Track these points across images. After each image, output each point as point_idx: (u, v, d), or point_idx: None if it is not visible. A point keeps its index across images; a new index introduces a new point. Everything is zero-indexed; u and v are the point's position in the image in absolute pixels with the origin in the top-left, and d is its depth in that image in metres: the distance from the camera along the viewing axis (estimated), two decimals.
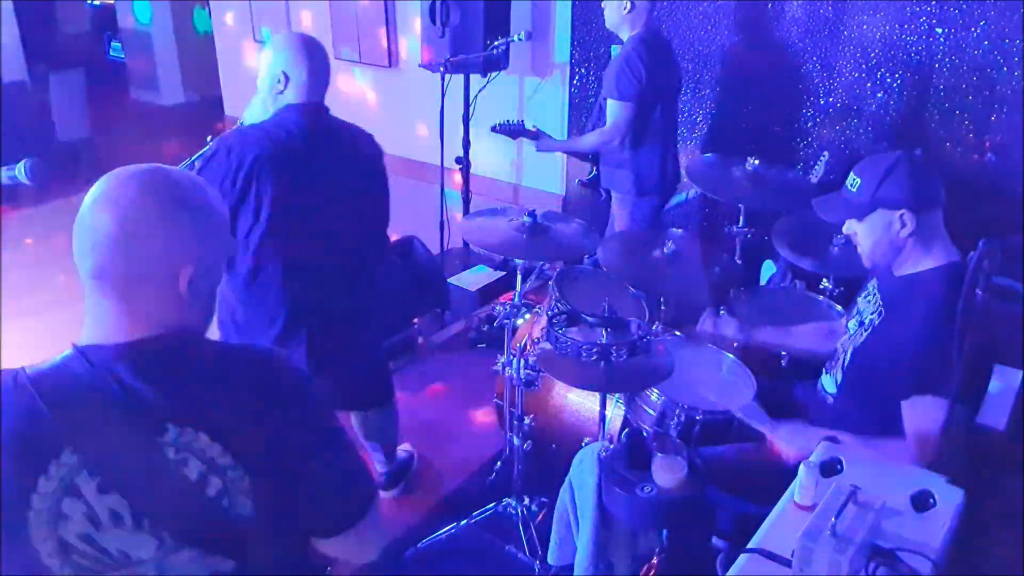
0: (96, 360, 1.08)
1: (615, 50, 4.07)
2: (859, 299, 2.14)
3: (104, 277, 1.09)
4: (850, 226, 1.98)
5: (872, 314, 2.02)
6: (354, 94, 5.44)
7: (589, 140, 3.45)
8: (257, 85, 2.34)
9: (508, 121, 3.78)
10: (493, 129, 3.67)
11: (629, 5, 3.33)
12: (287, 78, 2.24)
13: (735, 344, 2.58)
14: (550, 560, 2.34)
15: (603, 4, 3.45)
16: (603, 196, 3.85)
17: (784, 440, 2.00)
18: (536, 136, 3.63)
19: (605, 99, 3.38)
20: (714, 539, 2.09)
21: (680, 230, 3.00)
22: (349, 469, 1.23)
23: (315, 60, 2.27)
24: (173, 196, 1.11)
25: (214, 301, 1.22)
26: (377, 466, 2.89)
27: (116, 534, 1.05)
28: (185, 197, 1.12)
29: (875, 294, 2.07)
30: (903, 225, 1.87)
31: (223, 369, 1.15)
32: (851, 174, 1.97)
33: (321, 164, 2.28)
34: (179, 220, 1.11)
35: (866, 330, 2.01)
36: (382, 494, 2.88)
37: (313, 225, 2.31)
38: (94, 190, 1.11)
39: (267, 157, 2.18)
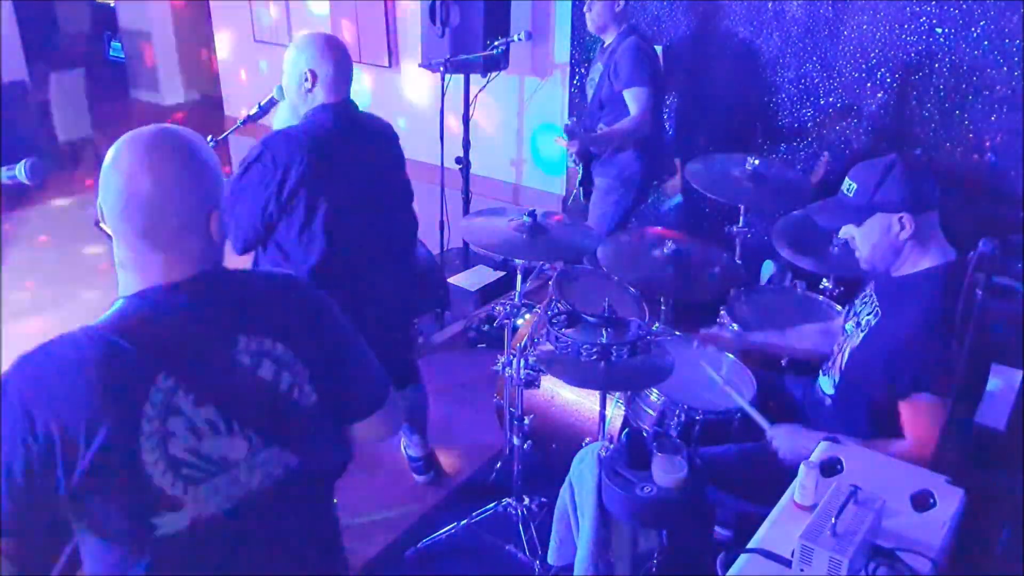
0: (160, 297, 1.19)
1: (607, 45, 4.08)
2: (856, 301, 2.14)
3: (150, 235, 1.19)
4: (847, 231, 1.97)
5: (869, 315, 2.02)
6: (354, 94, 5.44)
7: (626, 128, 3.46)
8: (283, 87, 2.40)
9: (574, 120, 3.75)
10: (566, 129, 3.59)
11: (623, 3, 3.40)
12: (314, 76, 2.32)
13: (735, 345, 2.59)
14: (550, 560, 2.34)
15: (589, 7, 3.49)
16: (575, 193, 3.86)
17: (780, 439, 2.01)
18: (572, 134, 3.61)
19: (620, 91, 3.43)
20: (714, 539, 2.09)
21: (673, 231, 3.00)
22: (372, 360, 1.45)
23: (339, 57, 2.35)
24: (191, 150, 1.23)
25: (225, 240, 1.34)
26: (412, 451, 2.99)
27: (214, 441, 1.17)
28: (198, 148, 1.25)
29: (872, 295, 2.06)
30: (902, 228, 1.87)
31: (266, 286, 1.35)
32: (846, 179, 1.96)
33: (360, 160, 2.39)
34: (203, 171, 1.24)
35: (863, 331, 2.01)
36: (418, 478, 3.00)
37: (360, 221, 2.40)
38: (119, 157, 1.19)
39: (313, 160, 2.25)
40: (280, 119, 2.47)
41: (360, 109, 2.47)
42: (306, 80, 2.32)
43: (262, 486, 1.23)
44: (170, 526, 1.15)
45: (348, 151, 2.36)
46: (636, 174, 3.57)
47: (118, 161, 1.19)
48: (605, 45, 3.55)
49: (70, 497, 1.10)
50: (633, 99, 3.39)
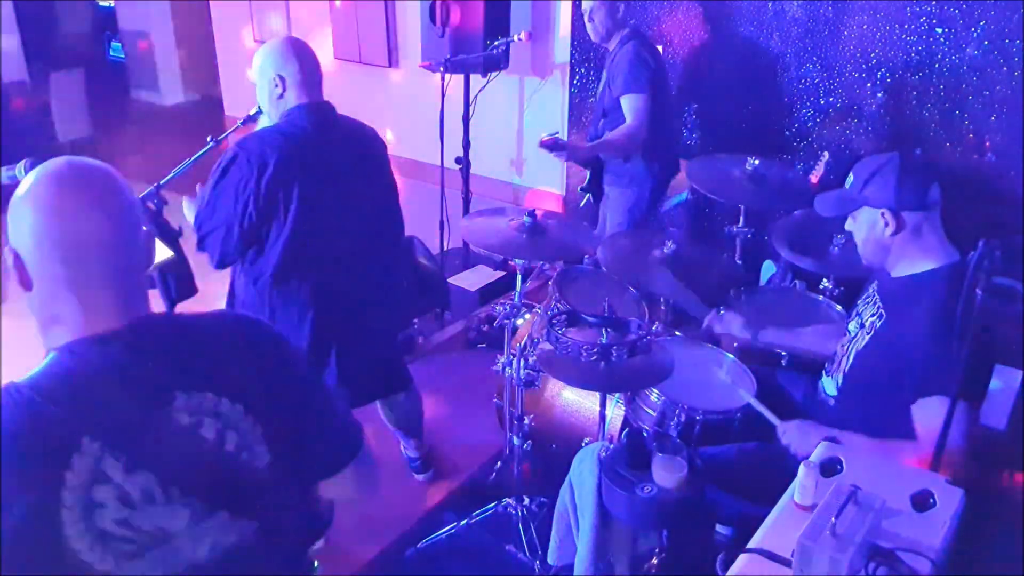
0: (87, 351, 1.09)
1: (611, 52, 4.08)
2: (859, 301, 2.14)
3: (97, 277, 1.11)
4: (850, 223, 2.00)
5: (872, 316, 2.02)
6: (354, 94, 5.45)
7: (618, 138, 3.43)
8: (257, 98, 2.39)
9: (555, 134, 3.76)
10: (542, 145, 3.59)
11: (622, 8, 3.39)
12: (282, 80, 2.29)
13: (735, 345, 2.59)
14: (550, 560, 2.34)
15: (591, 18, 3.44)
16: (587, 198, 3.84)
17: (791, 435, 2.00)
18: (563, 147, 3.61)
19: (618, 98, 3.40)
20: (714, 539, 2.09)
21: (673, 230, 3.00)
22: (339, 410, 1.34)
23: (304, 57, 2.32)
24: (123, 185, 1.15)
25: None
26: (410, 452, 3.00)
27: (150, 511, 1.07)
28: (123, 183, 1.16)
29: (875, 296, 2.07)
30: (886, 224, 1.89)
31: (210, 333, 1.21)
32: (850, 172, 1.99)
33: (336, 159, 2.35)
34: (137, 205, 1.17)
35: (867, 333, 2.01)
36: (417, 477, 3.01)
37: (335, 220, 2.36)
38: (42, 195, 1.09)
39: (287, 158, 2.23)
40: (261, 127, 2.45)
41: (338, 112, 2.42)
42: (276, 86, 2.29)
43: (211, 556, 1.11)
44: None
45: (323, 151, 2.32)
46: (645, 180, 3.53)
47: (35, 203, 1.09)
48: (609, 52, 3.53)
49: None
50: (629, 106, 3.35)
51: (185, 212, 2.48)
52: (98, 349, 1.09)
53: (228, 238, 2.29)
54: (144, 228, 1.18)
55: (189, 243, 2.32)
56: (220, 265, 2.37)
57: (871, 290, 2.11)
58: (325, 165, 2.32)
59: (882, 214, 1.89)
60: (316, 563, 1.41)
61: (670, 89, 3.69)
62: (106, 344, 1.10)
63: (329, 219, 2.34)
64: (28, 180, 1.12)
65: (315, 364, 2.43)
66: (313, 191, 2.29)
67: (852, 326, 2.10)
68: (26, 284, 1.12)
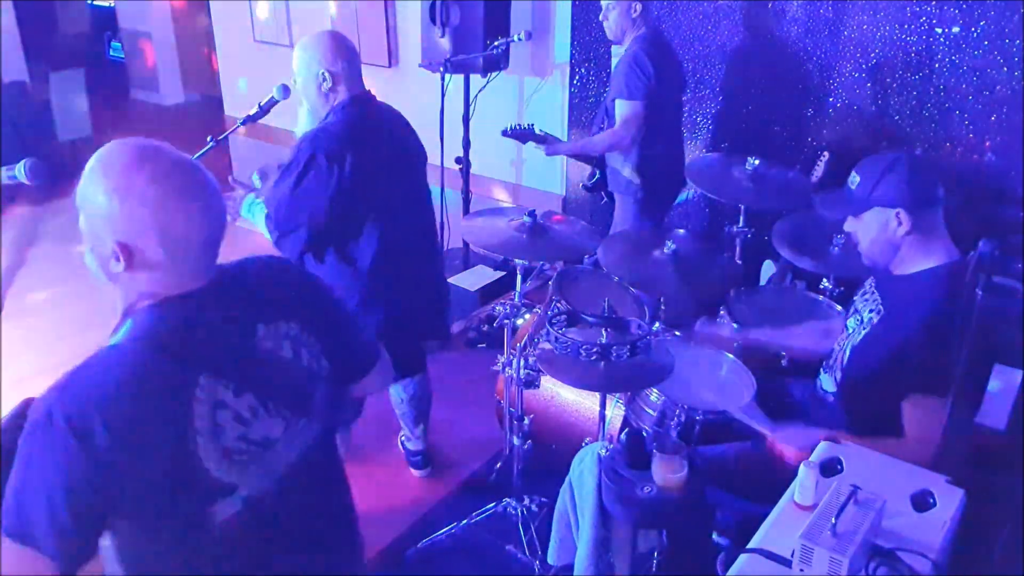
0: (175, 308, 1.24)
1: (615, 51, 4.08)
2: (857, 298, 2.14)
3: (191, 255, 1.25)
4: (850, 223, 1.99)
5: (871, 313, 2.03)
6: None
7: (600, 141, 3.44)
8: (299, 91, 2.43)
9: (519, 125, 3.77)
10: (504, 133, 3.66)
11: (638, 8, 3.32)
12: (332, 75, 2.38)
13: (734, 344, 2.59)
14: (550, 560, 2.34)
15: (605, 16, 3.42)
16: (604, 200, 3.84)
17: (785, 441, 2.00)
18: (544, 140, 3.61)
19: (613, 100, 3.37)
20: (714, 539, 2.09)
21: (681, 230, 3.00)
22: (359, 324, 1.62)
23: (349, 51, 2.44)
24: (204, 170, 1.28)
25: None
26: (411, 444, 3.03)
27: (257, 425, 1.27)
28: (203, 168, 1.29)
29: (873, 293, 2.07)
30: (899, 224, 1.88)
31: (265, 274, 1.43)
32: (853, 172, 1.98)
33: (391, 142, 2.49)
34: (218, 186, 1.30)
35: (864, 328, 2.01)
36: (416, 473, 3.04)
37: (400, 198, 2.50)
38: (131, 181, 1.19)
39: (361, 151, 2.33)
40: (302, 123, 2.50)
41: (378, 100, 2.55)
42: (324, 81, 2.36)
43: (297, 457, 1.34)
44: (226, 510, 1.24)
45: (382, 141, 2.43)
46: (639, 191, 3.49)
47: (144, 191, 1.19)
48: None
49: (136, 505, 1.17)
50: (617, 111, 3.33)
51: (244, 207, 2.55)
52: (183, 304, 1.25)
53: (312, 234, 2.38)
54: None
55: None
56: (301, 254, 2.47)
57: (868, 287, 2.11)
58: (383, 151, 2.43)
59: (896, 214, 1.88)
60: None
61: (677, 99, 3.60)
62: (190, 300, 1.25)
63: (397, 201, 2.47)
64: (119, 175, 1.20)
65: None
66: (382, 177, 2.41)
67: (851, 322, 2.10)
68: (134, 266, 1.23)
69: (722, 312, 2.78)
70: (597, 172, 3.78)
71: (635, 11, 3.33)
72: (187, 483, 1.20)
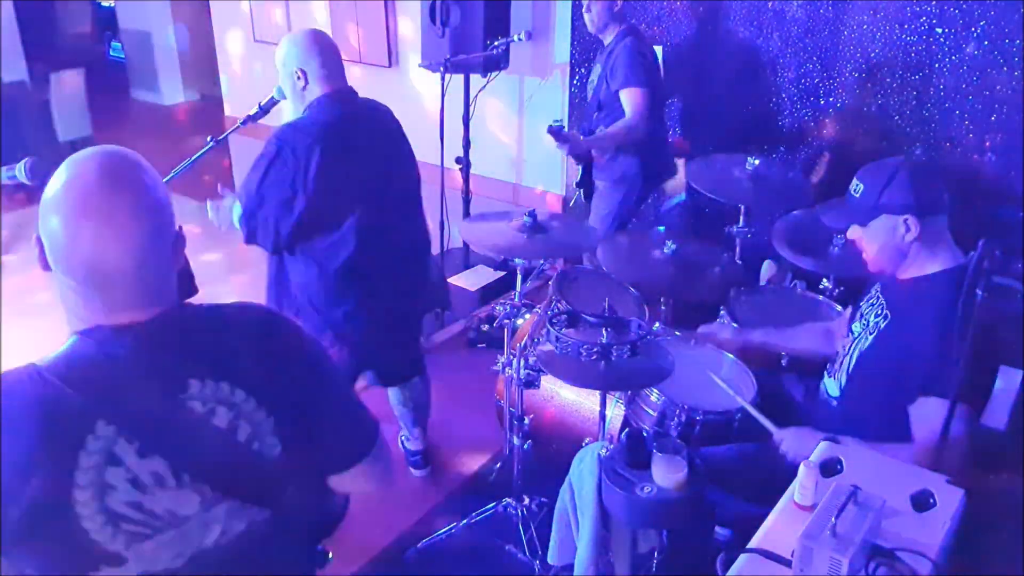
0: (107, 339, 1.11)
1: (607, 45, 4.08)
2: (862, 303, 2.13)
3: (95, 281, 1.11)
4: (854, 231, 1.97)
5: (877, 318, 2.02)
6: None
7: (617, 132, 3.45)
8: (282, 89, 2.45)
9: (559, 123, 3.76)
10: (550, 131, 3.60)
11: (619, 3, 3.44)
12: (304, 74, 2.36)
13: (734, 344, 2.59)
14: (550, 560, 2.34)
15: (588, 8, 3.49)
16: (574, 197, 3.85)
17: (788, 443, 2.00)
18: (566, 139, 3.60)
19: (616, 92, 3.42)
20: (714, 539, 2.09)
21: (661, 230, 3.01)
22: (354, 402, 1.35)
23: (325, 49, 2.39)
24: (153, 183, 1.15)
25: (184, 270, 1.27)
26: (410, 444, 3.02)
27: (161, 495, 1.09)
28: (145, 182, 1.14)
29: (879, 297, 2.06)
30: (907, 230, 1.87)
31: (230, 325, 1.23)
32: (854, 179, 1.96)
33: (369, 140, 2.43)
34: (167, 204, 1.16)
35: (871, 333, 2.00)
36: (415, 473, 3.03)
37: (376, 197, 2.44)
38: (59, 199, 1.09)
39: (329, 145, 2.29)
40: (285, 120, 2.50)
41: (360, 96, 2.50)
42: (299, 79, 2.36)
43: (220, 542, 1.14)
44: None
45: (355, 135, 2.39)
46: (636, 176, 3.56)
47: (58, 204, 1.09)
48: (605, 45, 3.55)
49: (7, 542, 1.04)
50: (628, 100, 3.38)
51: (210, 215, 2.54)
52: (117, 337, 1.11)
53: (280, 229, 2.34)
54: (177, 226, 1.19)
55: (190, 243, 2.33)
56: (275, 249, 2.43)
57: (874, 291, 2.10)
58: (359, 148, 2.39)
59: (904, 220, 1.86)
60: (330, 554, 1.43)
61: (664, 88, 3.71)
62: (125, 333, 1.11)
63: (372, 199, 2.42)
64: (61, 174, 1.11)
65: (348, 345, 2.51)
66: (355, 173, 2.37)
67: (856, 327, 2.09)
68: (45, 267, 1.13)
69: (722, 312, 2.79)
70: (580, 168, 3.78)
71: (616, 6, 3.45)
72: (62, 538, 1.06)
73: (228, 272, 4.50)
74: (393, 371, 2.78)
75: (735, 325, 2.63)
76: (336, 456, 1.30)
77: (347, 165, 2.35)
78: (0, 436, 1.03)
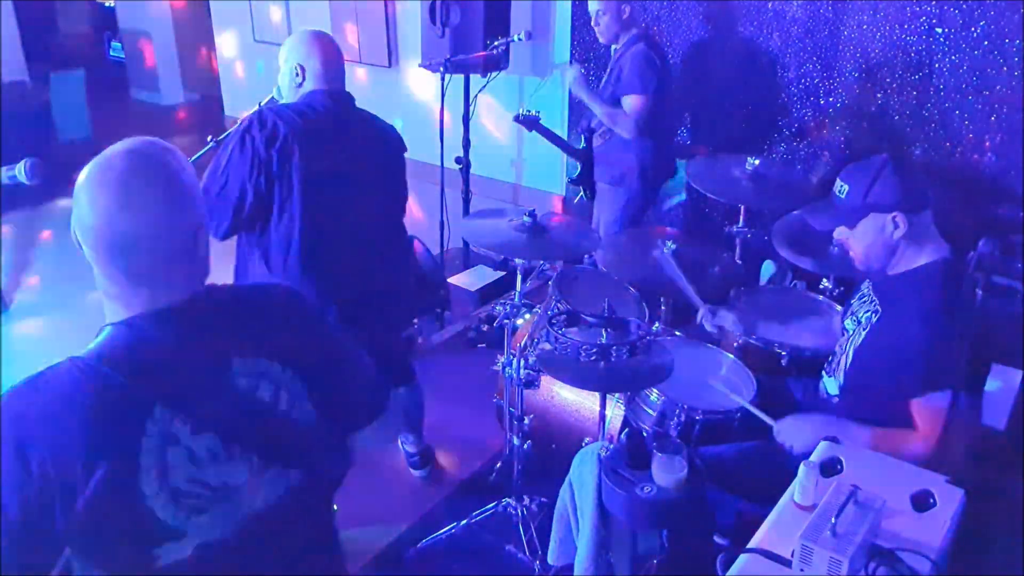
0: (146, 325, 1.15)
1: (615, 50, 4.08)
2: (854, 300, 2.14)
3: (132, 270, 1.14)
4: (842, 232, 1.98)
5: (868, 313, 2.03)
6: (354, 94, 5.44)
7: (611, 114, 3.44)
8: (279, 86, 2.45)
9: (529, 111, 3.76)
10: (516, 119, 3.62)
11: (628, 10, 3.39)
12: (303, 70, 2.36)
13: (735, 345, 2.59)
14: (550, 560, 2.34)
15: (597, 21, 3.47)
16: (581, 194, 3.85)
17: (787, 434, 2.00)
18: (551, 136, 3.59)
19: (619, 96, 3.41)
20: (714, 539, 2.09)
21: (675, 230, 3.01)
22: (369, 367, 1.44)
23: (327, 51, 2.39)
24: (168, 175, 1.17)
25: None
26: (408, 447, 3.02)
27: (215, 468, 1.15)
28: (175, 169, 1.18)
29: (869, 293, 2.07)
30: (896, 227, 1.88)
31: (260, 303, 1.31)
32: (838, 180, 1.96)
33: (349, 143, 2.39)
34: (183, 195, 1.18)
35: (864, 329, 2.01)
36: (414, 473, 3.03)
37: (343, 203, 2.39)
38: (92, 193, 1.13)
39: (300, 131, 2.27)
40: None
41: (360, 108, 2.47)
42: (296, 75, 2.36)
43: (264, 506, 1.21)
44: (173, 555, 1.12)
45: (336, 130, 2.35)
46: (635, 178, 3.54)
47: (92, 198, 1.12)
48: (614, 51, 3.53)
49: (70, 533, 1.07)
50: (629, 105, 3.38)
51: None
52: (158, 324, 1.15)
53: (240, 206, 2.29)
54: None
55: None
56: (226, 235, 2.36)
57: (865, 288, 2.11)
58: (334, 145, 2.35)
59: (892, 218, 1.87)
60: (336, 506, 1.51)
61: (672, 94, 3.69)
62: (165, 319, 1.15)
63: (337, 201, 2.37)
64: (91, 167, 1.14)
65: None
66: (323, 169, 2.31)
67: (849, 324, 2.10)
68: (99, 268, 1.16)
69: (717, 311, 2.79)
70: (579, 165, 3.77)
71: (625, 13, 3.42)
72: (128, 520, 1.10)
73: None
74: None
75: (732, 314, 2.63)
76: (358, 414, 1.41)
77: (317, 157, 2.29)
78: (60, 432, 1.06)
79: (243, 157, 2.26)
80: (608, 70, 3.57)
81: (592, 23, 3.52)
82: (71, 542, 1.09)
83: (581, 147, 3.73)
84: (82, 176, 1.14)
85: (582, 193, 3.80)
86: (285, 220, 2.32)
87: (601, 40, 3.56)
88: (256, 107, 2.57)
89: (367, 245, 2.50)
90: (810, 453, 1.84)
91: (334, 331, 1.40)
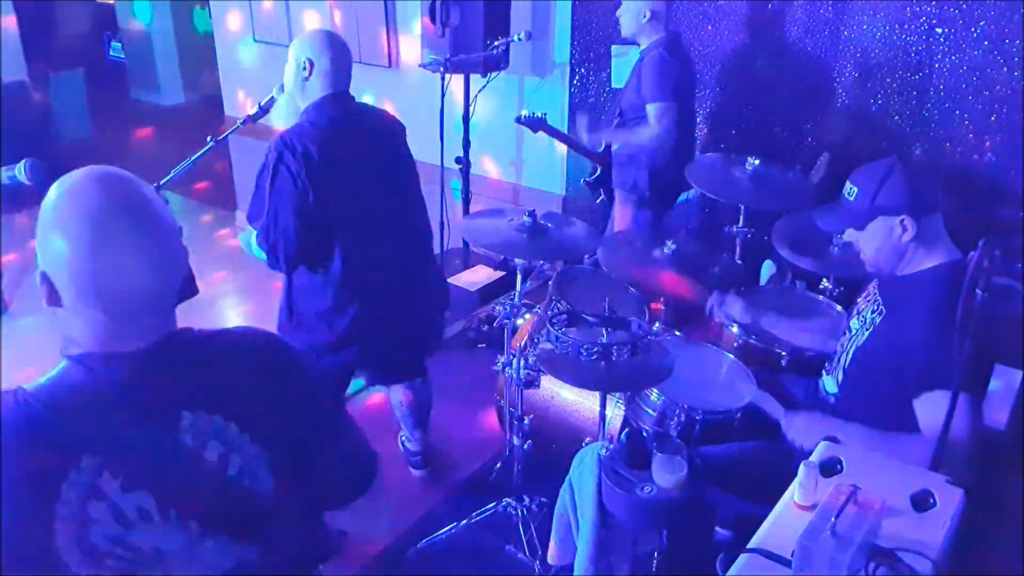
0: (99, 366, 1.07)
1: (615, 50, 4.08)
2: (859, 300, 2.14)
3: (130, 303, 1.07)
4: (851, 234, 1.98)
5: (873, 314, 2.03)
6: (354, 94, 5.44)
7: (642, 137, 3.42)
8: (284, 82, 2.47)
9: (532, 113, 3.76)
10: (517, 120, 3.63)
11: (648, 13, 3.34)
12: (311, 65, 2.37)
13: (735, 345, 2.59)
14: (550, 560, 2.34)
15: (618, 13, 3.45)
16: (601, 196, 3.84)
17: (798, 430, 2.00)
18: (587, 128, 3.56)
19: (641, 103, 3.38)
20: (714, 539, 2.09)
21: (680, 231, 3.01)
22: (354, 436, 1.30)
23: (337, 49, 2.41)
24: (158, 206, 1.11)
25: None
26: (411, 445, 3.02)
27: (145, 530, 1.05)
28: (157, 202, 1.11)
29: (875, 293, 2.07)
30: (904, 230, 1.88)
31: (226, 353, 1.18)
32: (847, 183, 1.97)
33: (365, 143, 2.45)
34: (173, 226, 1.12)
35: (868, 329, 2.01)
36: (415, 473, 3.02)
37: (367, 206, 2.44)
38: (62, 220, 1.05)
39: (328, 145, 2.31)
40: (279, 112, 2.50)
41: (358, 101, 2.50)
42: (304, 69, 2.37)
43: None
44: None
45: (352, 138, 2.40)
46: (644, 188, 3.52)
47: (68, 231, 1.04)
48: (641, 51, 3.52)
49: None
50: (652, 114, 3.35)
51: (242, 245, 2.56)
52: (110, 364, 1.07)
53: (299, 236, 2.33)
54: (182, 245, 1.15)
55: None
56: (292, 267, 2.43)
57: (871, 288, 2.11)
58: (356, 150, 2.40)
59: (900, 221, 1.87)
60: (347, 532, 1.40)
61: (691, 104, 3.65)
62: (121, 360, 1.07)
63: (362, 204, 2.42)
64: (57, 201, 1.06)
65: (346, 345, 2.51)
66: (352, 175, 2.37)
67: (854, 324, 2.11)
68: (56, 303, 1.08)
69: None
70: (598, 168, 3.77)
71: (644, 16, 3.36)
72: (43, 568, 1.02)
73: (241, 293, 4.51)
74: (395, 372, 2.78)
75: (735, 328, 2.62)
76: (333, 492, 1.28)
77: (344, 166, 2.35)
78: None
79: (285, 186, 2.30)
80: (630, 74, 3.57)
81: (617, 12, 3.48)
82: None
83: (600, 150, 3.74)
84: (50, 210, 1.07)
85: (602, 196, 3.80)
86: (336, 237, 2.39)
87: (623, 33, 3.53)
88: (256, 108, 2.57)
89: (398, 248, 2.56)
90: (811, 453, 1.84)
91: (316, 396, 1.25)
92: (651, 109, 3.36)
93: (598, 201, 3.90)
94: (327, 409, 1.27)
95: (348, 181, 2.37)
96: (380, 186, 2.47)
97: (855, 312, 2.13)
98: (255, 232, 2.40)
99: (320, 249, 2.41)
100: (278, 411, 1.16)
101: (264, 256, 2.40)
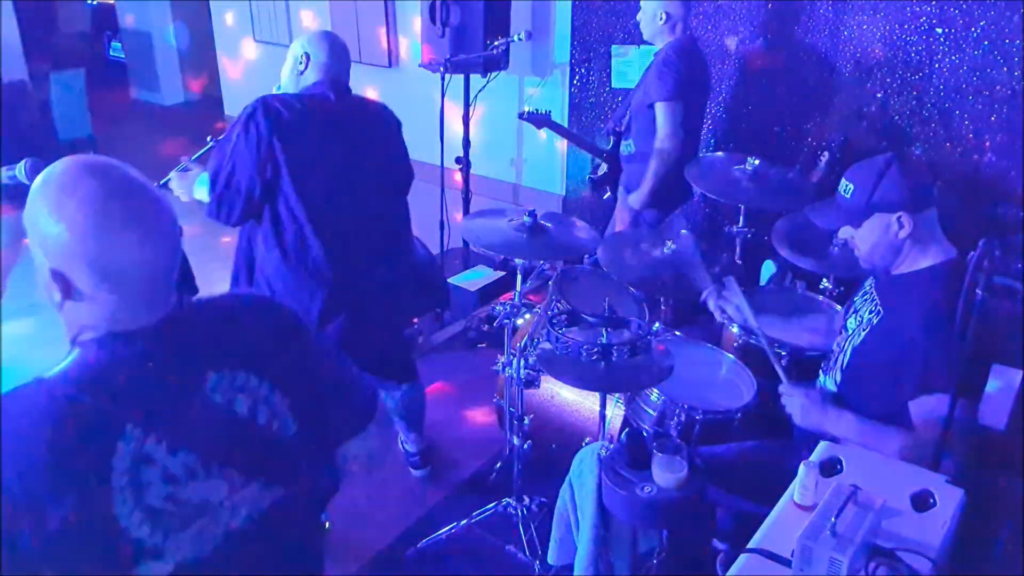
0: (116, 345, 1.12)
1: (615, 50, 4.08)
2: (856, 299, 2.14)
3: (137, 285, 1.11)
4: (846, 231, 1.98)
5: (870, 313, 2.03)
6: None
7: (661, 160, 3.36)
8: (280, 77, 2.47)
9: (536, 110, 3.74)
10: (520, 116, 3.62)
11: (664, 16, 3.33)
12: (308, 58, 2.38)
13: (735, 345, 2.59)
14: (550, 560, 2.34)
15: (638, 16, 3.45)
16: (608, 193, 3.84)
17: (793, 405, 1.99)
18: (559, 129, 3.52)
19: (649, 104, 3.37)
20: (714, 539, 2.09)
21: (684, 231, 3.00)
22: (353, 371, 1.42)
23: (335, 47, 2.42)
24: (156, 194, 1.15)
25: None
26: (409, 446, 3.01)
27: (193, 486, 1.12)
28: (156, 191, 1.16)
29: (872, 293, 2.07)
30: (901, 227, 1.88)
31: (235, 315, 1.27)
32: (843, 180, 1.96)
33: (349, 131, 2.41)
34: (171, 211, 1.16)
35: (864, 329, 2.01)
36: (415, 473, 3.01)
37: (345, 184, 2.41)
38: (62, 207, 1.08)
39: (303, 114, 2.30)
40: None
41: (354, 94, 2.49)
42: (300, 62, 2.38)
43: (246, 523, 1.18)
44: (152, 574, 1.10)
45: (336, 120, 2.37)
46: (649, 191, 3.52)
47: (67, 217, 1.07)
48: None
49: (44, 555, 1.04)
50: (660, 113, 3.33)
51: (173, 184, 2.50)
52: (128, 342, 1.12)
53: (249, 192, 2.30)
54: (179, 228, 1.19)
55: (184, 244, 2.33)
56: (238, 221, 2.38)
57: (868, 287, 2.11)
58: (337, 131, 2.37)
59: (897, 218, 1.87)
60: (327, 524, 1.47)
61: (702, 106, 3.60)
62: (136, 337, 1.13)
63: (341, 186, 2.39)
64: (52, 196, 1.09)
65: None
66: (327, 154, 2.34)
67: (850, 323, 2.10)
68: (71, 296, 1.11)
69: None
70: (605, 166, 3.77)
71: (660, 19, 3.33)
72: (102, 541, 1.07)
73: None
74: (377, 377, 2.69)
75: (735, 328, 2.62)
76: (344, 426, 1.36)
77: (319, 143, 2.32)
78: (26, 455, 1.03)
79: (248, 143, 2.27)
80: (642, 75, 3.57)
81: (638, 16, 3.47)
82: (45, 564, 1.05)
83: (608, 148, 3.75)
84: (46, 204, 1.09)
85: (608, 192, 3.80)
86: (292, 204, 2.34)
87: (644, 34, 3.50)
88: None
89: (372, 240, 2.52)
90: (805, 432, 1.84)
91: (316, 342, 1.36)
92: (657, 109, 3.35)
93: (605, 197, 3.90)
94: (327, 353, 1.39)
95: (320, 159, 2.33)
96: (358, 174, 2.43)
97: (851, 311, 2.13)
98: (207, 174, 2.37)
99: (275, 217, 2.36)
100: (289, 358, 1.26)
101: (207, 200, 2.36)
